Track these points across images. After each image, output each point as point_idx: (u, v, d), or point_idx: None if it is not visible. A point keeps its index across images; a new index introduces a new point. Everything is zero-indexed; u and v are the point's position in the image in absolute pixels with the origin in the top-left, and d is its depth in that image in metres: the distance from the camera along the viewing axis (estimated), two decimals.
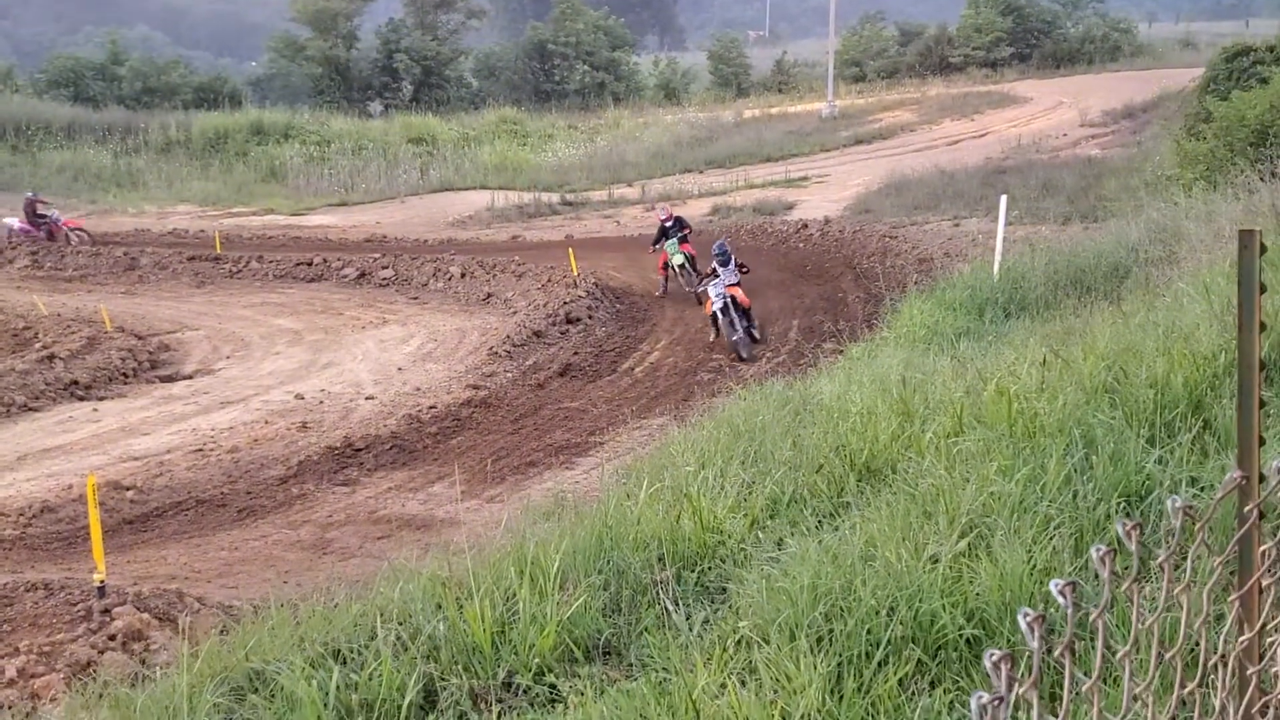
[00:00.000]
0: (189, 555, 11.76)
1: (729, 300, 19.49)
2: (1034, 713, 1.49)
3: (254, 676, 4.93)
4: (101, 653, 7.97)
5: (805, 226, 28.98)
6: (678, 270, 23.83)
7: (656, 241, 24.80)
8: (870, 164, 38.23)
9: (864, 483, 6.41)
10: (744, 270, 20.13)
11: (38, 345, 20.87)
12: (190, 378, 20.14)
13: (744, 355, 18.88)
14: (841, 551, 4.97)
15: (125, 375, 19.84)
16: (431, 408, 17.11)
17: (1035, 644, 1.47)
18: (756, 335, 19.89)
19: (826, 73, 56.51)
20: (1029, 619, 1.48)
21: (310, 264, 29.35)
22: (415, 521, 12.68)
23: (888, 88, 61.87)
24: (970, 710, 3.75)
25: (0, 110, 52.09)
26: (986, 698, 1.41)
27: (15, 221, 32.31)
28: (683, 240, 24.09)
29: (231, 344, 22.37)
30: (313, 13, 63.56)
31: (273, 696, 4.72)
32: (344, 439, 15.80)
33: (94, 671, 7.41)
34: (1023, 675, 1.49)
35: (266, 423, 16.82)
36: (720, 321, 19.60)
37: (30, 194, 33.69)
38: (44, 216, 32.34)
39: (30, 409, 17.71)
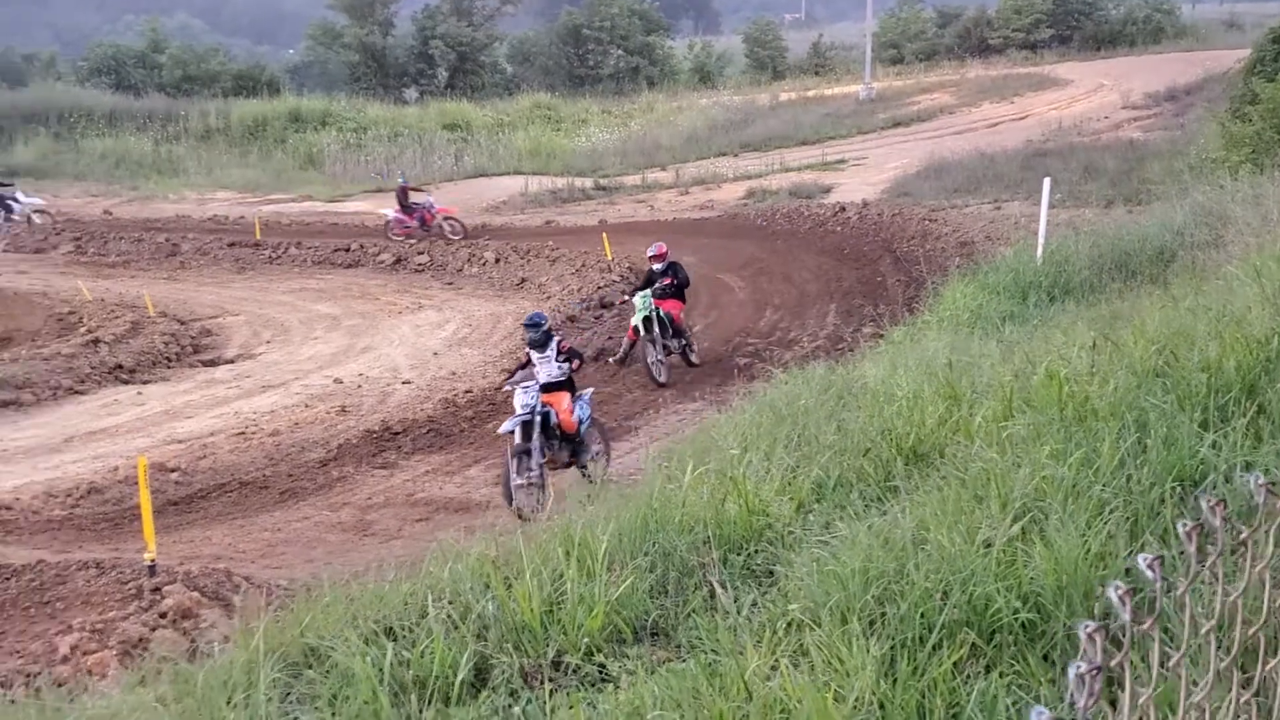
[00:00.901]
0: (233, 536, 11.91)
1: (538, 418, 12.37)
2: (1126, 684, 1.48)
3: (309, 653, 4.98)
4: (153, 630, 8.08)
5: (842, 210, 28.84)
6: (641, 328, 17.26)
7: (635, 292, 17.95)
8: (908, 147, 37.99)
9: (911, 467, 6.37)
10: (575, 364, 13.02)
11: (83, 330, 21.09)
12: (232, 362, 20.34)
13: (523, 514, 11.15)
14: (892, 535, 4.95)
15: (169, 359, 20.09)
16: (467, 392, 17.22)
17: (1127, 616, 1.46)
18: (589, 473, 12.16)
19: (864, 55, 56.12)
20: (1120, 592, 1.47)
21: (347, 250, 29.53)
22: (453, 504, 12.78)
23: (926, 70, 61.35)
24: (1030, 695, 3.73)
25: (43, 98, 52.70)
26: (1085, 667, 1.40)
27: (391, 212, 30.48)
28: (669, 294, 17.81)
29: (271, 329, 22.54)
30: (350, 0, 63.70)
31: (328, 672, 4.77)
32: (382, 423, 15.95)
33: (146, 648, 7.50)
34: (1113, 648, 1.48)
35: (306, 406, 16.97)
36: (508, 450, 12.40)
37: (401, 180, 32.03)
38: (416, 205, 30.26)
39: (76, 392, 17.95)
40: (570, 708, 4.18)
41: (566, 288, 23.79)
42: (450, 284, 26.26)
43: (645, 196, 35.93)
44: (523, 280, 25.61)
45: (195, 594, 8.75)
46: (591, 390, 13.75)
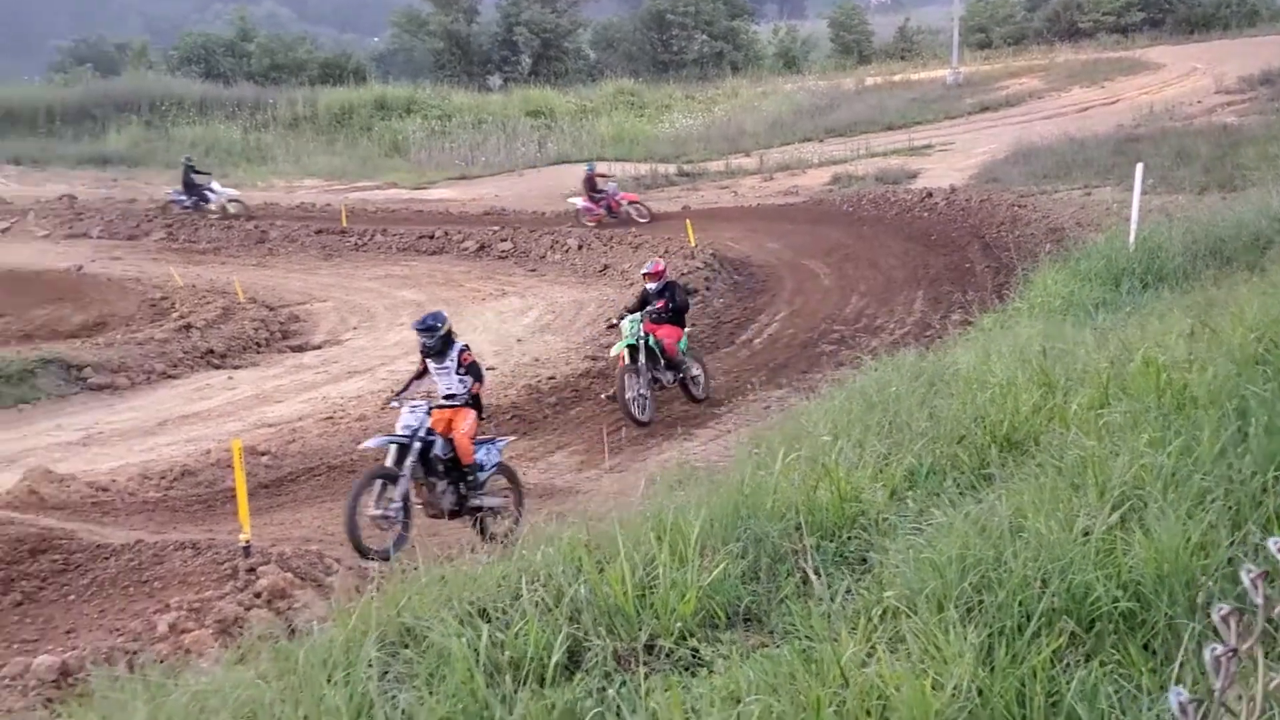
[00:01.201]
0: (322, 518, 12.07)
1: (418, 444, 10.46)
2: (1259, 668, 1.46)
3: (405, 632, 5.04)
4: (248, 610, 8.23)
5: (930, 195, 28.54)
6: (625, 357, 15.13)
7: (630, 314, 15.65)
8: (996, 132, 37.51)
9: (1006, 454, 6.31)
10: (476, 385, 11.15)
11: (175, 315, 21.50)
12: (319, 347, 20.62)
13: (367, 554, 9.82)
14: (989, 523, 4.90)
15: (258, 345, 20.44)
16: (550, 378, 17.27)
17: (1260, 600, 1.44)
18: (489, 529, 10.46)
19: (951, 39, 55.50)
20: (1252, 575, 1.45)
21: (432, 237, 29.77)
22: (536, 490, 12.81)
23: (1014, 54, 60.49)
24: (1131, 684, 3.68)
25: (135, 87, 53.73)
26: (1220, 649, 1.38)
27: (579, 200, 30.57)
28: (663, 318, 15.55)
29: (358, 315, 22.81)
30: None
31: (425, 652, 4.83)
32: None
33: (242, 628, 7.65)
34: (1246, 631, 1.46)
35: (392, 391, 17.11)
36: (366, 471, 10.88)
37: (589, 169, 31.85)
38: (602, 192, 30.35)
39: (169, 376, 18.32)
40: (665, 690, 4.19)
41: None
42: (533, 270, 26.39)
43: (729, 182, 35.84)
44: (605, 267, 25.65)
45: (289, 575, 8.90)
46: (511, 439, 12.49)
